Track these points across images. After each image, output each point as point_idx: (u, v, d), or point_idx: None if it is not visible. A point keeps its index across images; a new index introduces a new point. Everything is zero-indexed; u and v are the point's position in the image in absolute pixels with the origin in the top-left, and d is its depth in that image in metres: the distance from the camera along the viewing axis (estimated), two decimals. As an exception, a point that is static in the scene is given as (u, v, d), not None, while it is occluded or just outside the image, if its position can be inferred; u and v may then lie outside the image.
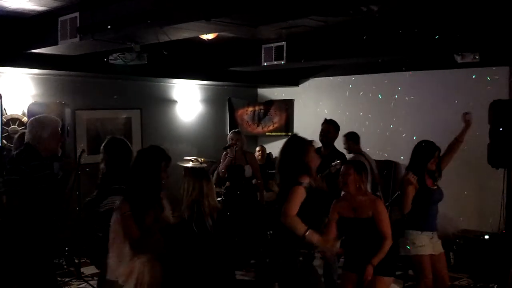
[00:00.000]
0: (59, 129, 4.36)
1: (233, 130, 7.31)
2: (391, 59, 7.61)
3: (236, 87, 9.84)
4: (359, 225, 4.19)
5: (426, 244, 4.65)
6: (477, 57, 6.17)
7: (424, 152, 4.77)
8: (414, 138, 5.17)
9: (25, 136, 4.33)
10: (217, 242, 3.49)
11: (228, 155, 6.81)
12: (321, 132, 6.01)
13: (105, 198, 3.92)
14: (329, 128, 6.03)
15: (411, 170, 4.67)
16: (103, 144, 4.24)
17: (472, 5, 5.09)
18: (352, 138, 6.68)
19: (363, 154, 6.53)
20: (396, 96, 8.34)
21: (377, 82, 8.58)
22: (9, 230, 4.11)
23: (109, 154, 4.10)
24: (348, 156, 6.38)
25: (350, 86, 8.95)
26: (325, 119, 6.19)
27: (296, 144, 4.09)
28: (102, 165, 4.12)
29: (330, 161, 5.80)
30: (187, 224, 3.48)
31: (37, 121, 4.29)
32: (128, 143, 4.25)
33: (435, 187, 4.84)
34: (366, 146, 7.20)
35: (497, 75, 7.17)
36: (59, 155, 4.47)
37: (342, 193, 4.35)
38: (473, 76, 7.38)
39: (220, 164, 7.03)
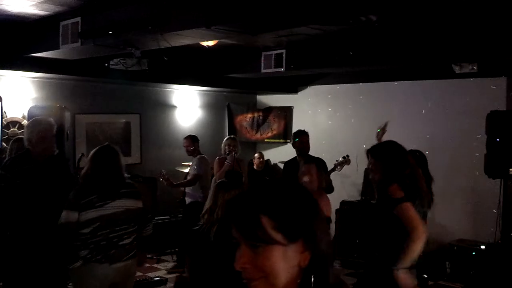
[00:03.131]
0: (53, 131, 4.36)
1: (230, 136, 7.33)
2: (389, 68, 7.66)
3: (235, 94, 9.88)
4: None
5: None
6: (475, 67, 6.21)
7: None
8: (412, 147, 5.18)
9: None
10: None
11: (227, 161, 6.80)
12: (302, 144, 6.16)
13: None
14: (306, 138, 6.22)
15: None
16: (92, 151, 4.06)
17: (470, 16, 5.14)
18: (197, 140, 7.32)
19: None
20: (394, 105, 8.38)
21: (375, 90, 8.63)
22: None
23: (94, 164, 3.94)
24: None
25: (348, 94, 9.00)
26: (303, 131, 6.30)
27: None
28: (82, 172, 4.00)
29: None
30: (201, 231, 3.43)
31: (27, 125, 4.39)
32: (120, 154, 4.05)
33: None
34: (363, 154, 7.22)
35: (494, 85, 7.23)
36: (55, 154, 4.42)
37: None
38: (470, 87, 7.43)
39: (215, 171, 6.98)
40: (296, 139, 6.35)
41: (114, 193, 3.90)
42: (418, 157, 4.74)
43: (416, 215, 3.37)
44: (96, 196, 3.83)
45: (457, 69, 6.31)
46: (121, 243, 3.91)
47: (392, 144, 3.75)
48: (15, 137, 5.82)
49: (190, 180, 7.14)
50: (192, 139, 7.34)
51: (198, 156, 7.23)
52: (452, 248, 6.99)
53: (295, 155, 6.37)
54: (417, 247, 3.34)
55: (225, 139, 7.24)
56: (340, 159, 6.45)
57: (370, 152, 3.78)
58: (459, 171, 7.46)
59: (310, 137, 6.45)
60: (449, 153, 7.42)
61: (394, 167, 3.58)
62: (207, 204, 3.49)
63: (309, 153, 6.36)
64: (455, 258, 6.91)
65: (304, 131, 6.37)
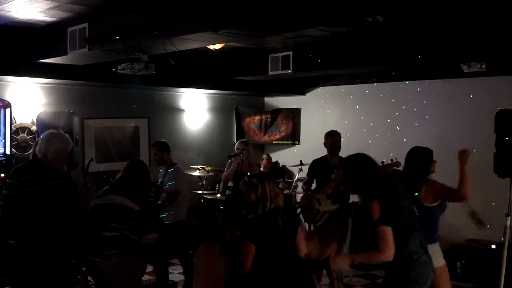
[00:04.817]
0: (69, 149, 4.45)
1: (241, 140, 7.34)
2: (397, 68, 7.64)
3: (243, 96, 9.90)
4: None
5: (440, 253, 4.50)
6: (483, 66, 6.18)
7: (424, 156, 4.72)
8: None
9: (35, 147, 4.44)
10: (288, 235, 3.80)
11: (233, 164, 6.84)
12: (333, 144, 6.14)
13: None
14: (338, 139, 6.18)
15: (415, 177, 4.58)
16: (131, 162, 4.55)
17: (478, 15, 5.12)
18: (166, 149, 6.30)
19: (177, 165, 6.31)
20: (402, 105, 8.36)
21: (383, 91, 8.61)
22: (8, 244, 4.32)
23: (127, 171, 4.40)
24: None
25: (356, 95, 8.99)
26: (334, 131, 6.27)
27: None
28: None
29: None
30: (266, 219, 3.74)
31: (44, 138, 4.38)
32: (145, 167, 4.52)
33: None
34: (372, 155, 7.21)
35: (503, 84, 7.19)
36: (64, 171, 4.50)
37: None
38: (479, 86, 7.40)
39: (224, 172, 7.08)
40: (327, 139, 6.30)
41: (114, 190, 4.26)
42: (420, 153, 4.72)
43: (390, 239, 3.59)
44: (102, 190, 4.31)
45: (465, 68, 6.28)
46: (102, 234, 4.12)
47: (362, 157, 3.89)
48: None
49: (170, 198, 5.96)
50: (159, 147, 6.29)
51: (174, 167, 6.21)
52: (462, 248, 6.96)
53: (303, 157, 6.38)
54: (375, 261, 3.73)
55: (237, 142, 7.24)
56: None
57: (341, 165, 3.96)
58: (469, 171, 7.41)
59: (318, 139, 6.45)
60: (457, 152, 7.37)
61: (364, 180, 3.76)
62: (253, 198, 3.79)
63: (322, 154, 6.38)
64: (466, 258, 6.88)
65: (335, 131, 6.32)
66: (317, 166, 6.29)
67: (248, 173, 6.43)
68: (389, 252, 3.59)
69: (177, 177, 6.09)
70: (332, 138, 6.23)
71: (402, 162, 5.05)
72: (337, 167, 5.99)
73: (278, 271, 3.68)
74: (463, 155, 4.72)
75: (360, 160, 3.86)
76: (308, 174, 6.51)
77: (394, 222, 3.63)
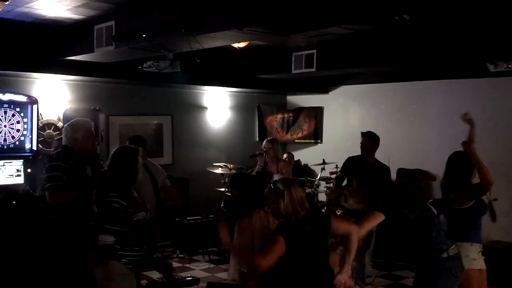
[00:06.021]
0: (92, 129, 4.54)
1: (267, 138, 7.27)
2: (422, 67, 7.58)
3: (265, 94, 9.90)
4: None
5: (477, 258, 4.43)
6: (510, 66, 6.11)
7: (467, 163, 4.62)
8: (446, 146, 5.12)
9: (62, 140, 4.56)
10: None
11: (258, 163, 6.84)
12: (361, 144, 6.09)
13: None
14: (366, 141, 6.07)
15: (458, 183, 4.46)
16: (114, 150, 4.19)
17: (505, 14, 5.05)
18: (136, 144, 5.81)
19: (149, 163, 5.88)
20: (427, 105, 8.29)
21: (407, 90, 8.54)
22: (50, 227, 4.32)
23: (114, 159, 4.05)
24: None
25: (380, 94, 8.93)
26: (365, 132, 6.19)
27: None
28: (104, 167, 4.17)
29: (375, 171, 5.82)
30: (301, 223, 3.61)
31: (70, 125, 4.51)
32: (137, 154, 4.12)
33: None
34: (396, 154, 7.17)
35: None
36: (98, 152, 4.66)
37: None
38: (506, 85, 7.31)
39: (255, 169, 7.11)
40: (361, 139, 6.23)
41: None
42: (463, 159, 4.59)
43: (372, 223, 4.00)
44: None
45: (491, 68, 6.22)
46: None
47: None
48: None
49: None
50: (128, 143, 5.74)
51: None
52: (487, 249, 6.86)
53: (325, 155, 6.32)
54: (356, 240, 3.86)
55: (264, 140, 7.18)
56: None
57: (354, 176, 4.53)
58: (495, 171, 7.30)
59: (341, 138, 6.37)
60: (483, 153, 7.27)
61: (376, 189, 4.25)
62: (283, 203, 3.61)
63: (344, 153, 6.33)
64: (490, 259, 6.77)
65: (367, 132, 6.15)
66: (351, 164, 6.21)
67: (271, 176, 6.44)
68: (362, 230, 3.86)
69: None
70: (362, 139, 6.13)
71: (430, 164, 5.01)
72: (372, 169, 5.91)
73: (305, 277, 3.55)
74: (466, 146, 4.60)
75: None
76: (341, 170, 6.47)
77: (408, 219, 3.92)
